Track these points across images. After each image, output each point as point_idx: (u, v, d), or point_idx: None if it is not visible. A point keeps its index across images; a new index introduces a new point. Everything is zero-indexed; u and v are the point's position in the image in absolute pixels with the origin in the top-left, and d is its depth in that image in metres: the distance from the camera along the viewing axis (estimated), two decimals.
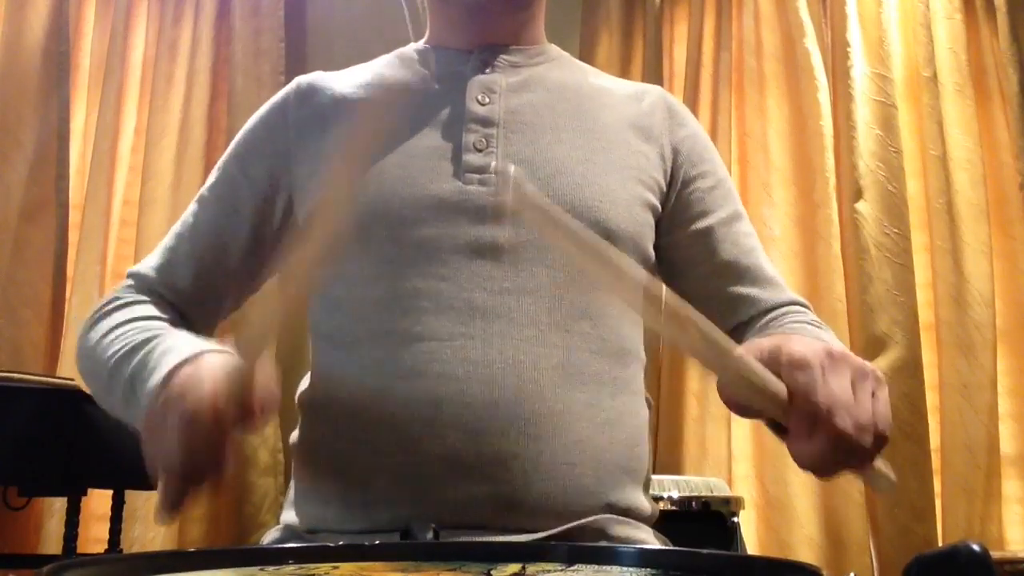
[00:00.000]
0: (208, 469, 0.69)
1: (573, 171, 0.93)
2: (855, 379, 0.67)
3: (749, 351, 0.67)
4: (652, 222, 0.98)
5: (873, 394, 0.67)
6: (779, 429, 0.71)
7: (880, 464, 0.69)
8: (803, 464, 0.66)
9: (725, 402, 0.68)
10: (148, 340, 0.85)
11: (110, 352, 0.88)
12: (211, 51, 3.02)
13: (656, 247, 1.00)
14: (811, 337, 0.86)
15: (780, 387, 0.65)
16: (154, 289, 0.99)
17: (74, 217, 2.91)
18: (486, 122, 0.95)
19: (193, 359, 0.76)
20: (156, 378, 0.77)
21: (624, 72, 2.91)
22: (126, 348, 0.87)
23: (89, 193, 2.90)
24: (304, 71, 1.07)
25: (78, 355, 0.97)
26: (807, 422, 0.65)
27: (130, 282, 1.00)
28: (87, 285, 2.80)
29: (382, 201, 0.91)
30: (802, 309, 0.99)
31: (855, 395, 0.66)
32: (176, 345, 0.81)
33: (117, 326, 0.91)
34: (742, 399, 0.66)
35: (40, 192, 2.84)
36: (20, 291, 2.76)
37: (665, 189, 1.00)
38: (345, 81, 1.02)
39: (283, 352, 2.74)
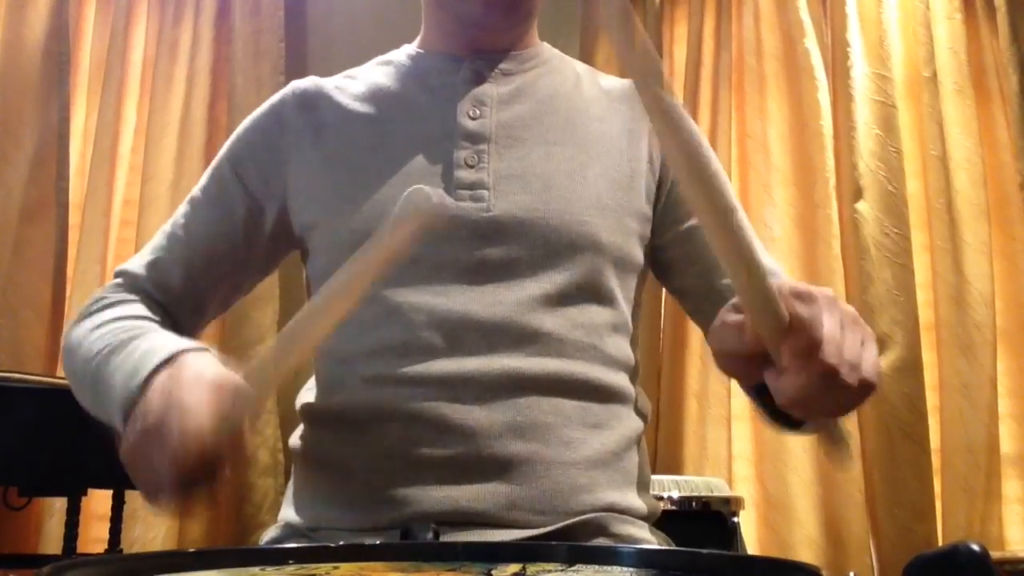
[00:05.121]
0: (203, 493, 0.69)
1: (563, 185, 0.93)
2: (848, 325, 0.67)
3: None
4: (644, 231, 0.98)
5: (863, 343, 0.67)
6: (760, 394, 0.71)
7: (843, 429, 0.69)
8: (787, 398, 0.65)
9: (715, 350, 0.68)
10: (130, 340, 0.85)
11: (93, 352, 0.88)
12: (211, 51, 3.02)
13: (651, 248, 1.01)
14: None
15: (784, 311, 0.64)
16: (143, 288, 0.98)
17: (74, 217, 2.91)
18: (477, 138, 0.95)
19: (173, 361, 0.76)
20: (135, 383, 0.77)
21: (624, 74, 2.91)
22: (108, 348, 0.86)
23: (89, 193, 2.90)
24: (304, 71, 1.07)
25: (63, 354, 0.96)
26: (802, 353, 0.64)
27: (119, 280, 0.99)
28: (87, 285, 2.79)
29: (376, 218, 0.91)
30: None
31: (846, 337, 0.65)
32: (156, 346, 0.80)
33: (101, 325, 0.91)
34: (749, 313, 0.65)
35: (40, 192, 2.84)
36: (20, 291, 2.76)
37: (655, 191, 1.00)
38: (341, 90, 1.02)
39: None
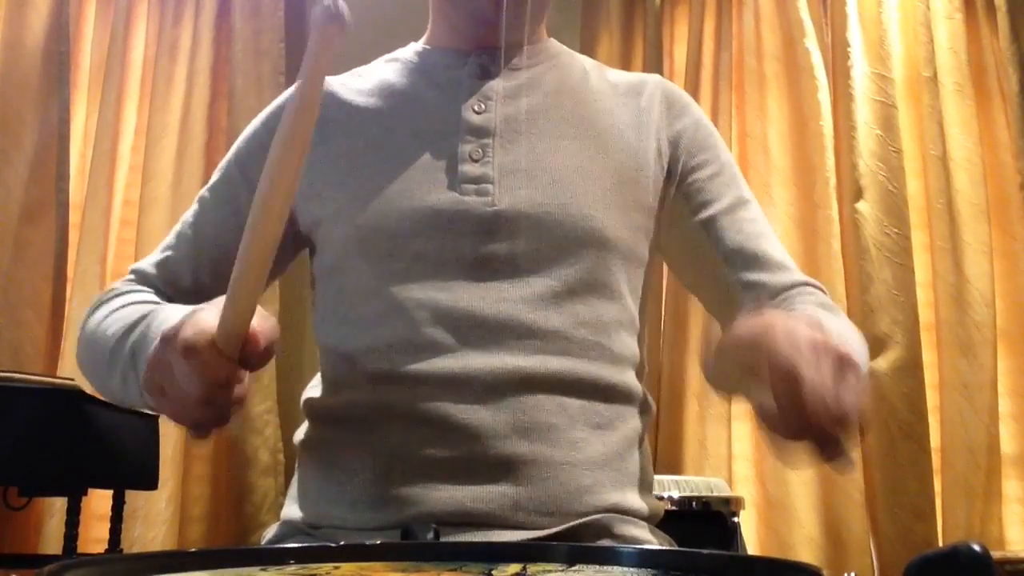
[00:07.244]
0: (218, 403, 0.70)
1: (569, 179, 0.93)
2: (833, 368, 0.66)
3: (737, 332, 0.68)
4: (649, 225, 0.98)
5: (844, 377, 0.66)
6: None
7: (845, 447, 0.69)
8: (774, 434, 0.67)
9: (709, 380, 0.70)
10: (145, 315, 0.87)
11: (109, 333, 0.89)
12: (211, 51, 3.02)
13: (662, 242, 1.00)
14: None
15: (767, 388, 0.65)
16: (154, 285, 1.00)
17: (74, 217, 2.91)
18: (482, 132, 0.94)
19: (190, 315, 0.76)
20: (156, 342, 0.78)
21: None
22: (124, 326, 0.88)
23: (89, 193, 2.90)
24: None
25: (78, 345, 0.98)
26: (786, 404, 0.65)
27: (131, 277, 1.01)
28: (87, 285, 2.80)
29: (381, 214, 0.91)
30: (811, 290, 0.96)
31: (831, 382, 0.65)
32: (173, 314, 0.81)
33: (115, 311, 0.93)
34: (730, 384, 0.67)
35: (40, 192, 2.84)
36: (20, 291, 2.76)
37: (663, 185, 0.99)
38: (349, 88, 1.02)
39: (284, 354, 2.76)
